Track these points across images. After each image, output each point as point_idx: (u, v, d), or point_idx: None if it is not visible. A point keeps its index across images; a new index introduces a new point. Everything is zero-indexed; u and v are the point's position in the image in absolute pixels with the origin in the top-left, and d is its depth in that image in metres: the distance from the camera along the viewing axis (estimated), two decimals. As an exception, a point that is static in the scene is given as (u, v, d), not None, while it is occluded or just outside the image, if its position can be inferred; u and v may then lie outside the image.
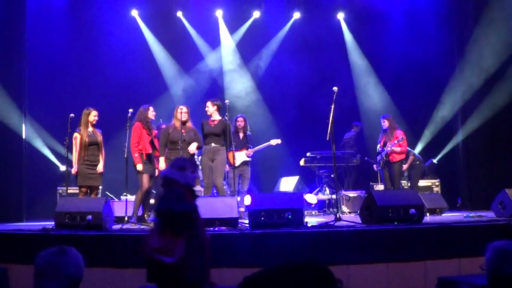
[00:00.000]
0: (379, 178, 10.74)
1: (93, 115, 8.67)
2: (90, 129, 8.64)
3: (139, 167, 8.47)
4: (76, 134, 8.54)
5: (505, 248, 2.95)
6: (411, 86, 12.82)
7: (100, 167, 8.63)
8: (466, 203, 11.75)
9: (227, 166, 9.58)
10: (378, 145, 10.30)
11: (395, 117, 12.47)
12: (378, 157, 10.25)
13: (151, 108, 8.82)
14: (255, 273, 1.76)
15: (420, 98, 12.77)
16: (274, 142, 10.37)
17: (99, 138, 8.70)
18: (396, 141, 9.85)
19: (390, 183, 10.03)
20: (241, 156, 9.79)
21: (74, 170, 8.52)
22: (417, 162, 11.49)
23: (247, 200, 10.15)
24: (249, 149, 9.89)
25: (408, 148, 10.62)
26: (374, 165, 10.61)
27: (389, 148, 9.90)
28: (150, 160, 8.70)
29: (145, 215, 8.57)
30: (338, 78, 12.17)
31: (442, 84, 12.53)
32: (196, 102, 11.59)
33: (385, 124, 10.19)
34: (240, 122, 10.05)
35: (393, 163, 9.95)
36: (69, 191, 9.55)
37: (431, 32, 12.60)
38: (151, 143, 8.72)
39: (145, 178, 8.53)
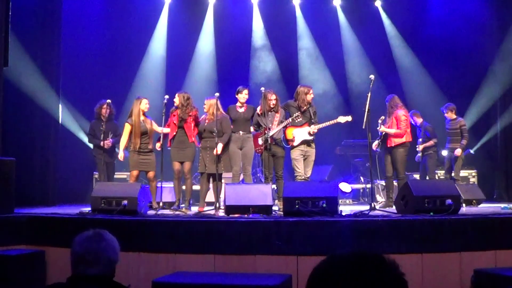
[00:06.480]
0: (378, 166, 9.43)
1: (145, 103, 8.70)
2: (142, 117, 8.65)
3: None
4: (126, 124, 8.61)
5: None
6: (451, 71, 12.27)
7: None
8: (503, 195, 11.50)
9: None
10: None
11: (435, 102, 11.95)
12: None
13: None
14: (323, 262, 1.73)
15: (460, 84, 12.26)
16: (343, 119, 8.45)
17: (149, 126, 8.65)
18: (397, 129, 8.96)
19: (392, 168, 9.18)
20: (302, 134, 8.47)
21: (120, 156, 8.74)
22: (431, 152, 10.56)
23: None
24: (312, 126, 8.47)
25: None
26: (374, 145, 9.20)
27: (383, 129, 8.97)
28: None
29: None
30: (377, 64, 12.05)
31: (482, 70, 12.12)
32: (227, 86, 11.40)
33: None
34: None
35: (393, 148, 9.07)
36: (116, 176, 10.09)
37: (472, 16, 12.13)
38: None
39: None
